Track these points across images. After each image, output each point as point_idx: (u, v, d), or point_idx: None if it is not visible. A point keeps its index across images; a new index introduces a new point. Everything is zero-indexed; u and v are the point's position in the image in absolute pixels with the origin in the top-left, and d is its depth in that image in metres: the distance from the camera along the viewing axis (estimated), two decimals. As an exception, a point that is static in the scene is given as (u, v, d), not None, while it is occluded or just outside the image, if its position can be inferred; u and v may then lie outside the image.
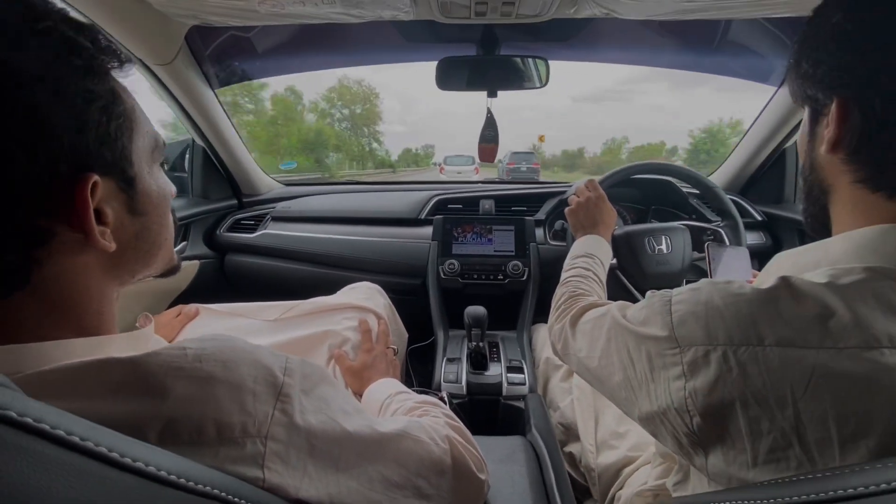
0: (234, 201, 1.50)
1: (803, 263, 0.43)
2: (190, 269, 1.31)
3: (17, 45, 0.30)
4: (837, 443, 0.32)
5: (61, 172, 0.32)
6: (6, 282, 0.31)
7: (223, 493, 0.27)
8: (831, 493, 0.25)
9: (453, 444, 0.50)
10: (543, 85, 1.08)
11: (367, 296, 0.98)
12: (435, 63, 1.05)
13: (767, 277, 0.41)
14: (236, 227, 1.45)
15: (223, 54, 1.15)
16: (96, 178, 0.33)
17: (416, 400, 0.64)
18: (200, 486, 0.26)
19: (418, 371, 1.26)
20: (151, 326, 0.45)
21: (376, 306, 0.94)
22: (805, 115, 0.46)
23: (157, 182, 0.42)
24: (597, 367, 0.54)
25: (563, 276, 0.83)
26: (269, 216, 1.45)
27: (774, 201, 1.34)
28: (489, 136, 1.07)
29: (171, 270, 0.47)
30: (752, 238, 1.29)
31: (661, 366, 0.42)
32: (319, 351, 0.83)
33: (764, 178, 1.37)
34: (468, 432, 0.55)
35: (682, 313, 0.41)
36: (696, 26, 1.14)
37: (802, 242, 1.23)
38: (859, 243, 0.39)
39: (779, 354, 0.34)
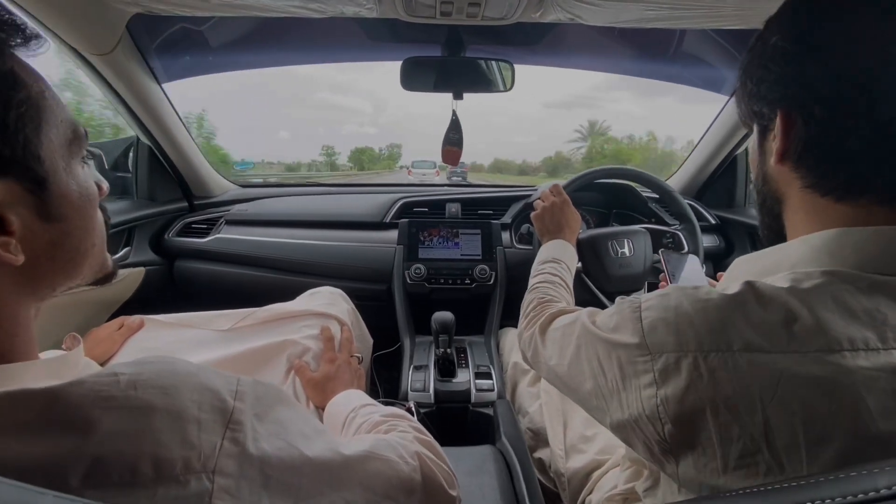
0: (185, 204, 1.41)
1: (763, 267, 0.44)
2: (134, 276, 1.21)
3: None
4: (804, 447, 0.32)
5: None
6: None
7: None
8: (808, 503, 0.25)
9: (423, 461, 0.48)
10: (509, 89, 1.08)
11: (329, 301, 0.93)
12: (389, 62, 1.03)
13: (730, 282, 0.41)
14: (186, 231, 1.36)
15: (172, 47, 1.07)
16: None
17: (382, 413, 0.61)
18: None
19: (384, 378, 1.23)
20: (80, 349, 0.40)
21: (339, 312, 0.89)
22: (754, 132, 0.48)
23: (78, 181, 0.36)
24: (567, 375, 0.53)
25: (532, 281, 0.83)
26: (223, 219, 1.37)
27: (727, 205, 1.41)
28: (454, 138, 1.06)
29: (105, 278, 0.42)
30: (707, 241, 1.35)
31: (632, 374, 0.41)
32: (277, 362, 0.78)
33: (717, 183, 1.43)
34: (438, 446, 0.53)
35: (653, 320, 0.41)
36: (653, 36, 1.18)
37: (753, 245, 1.31)
38: (816, 247, 0.40)
39: (747, 360, 0.35)
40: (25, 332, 0.34)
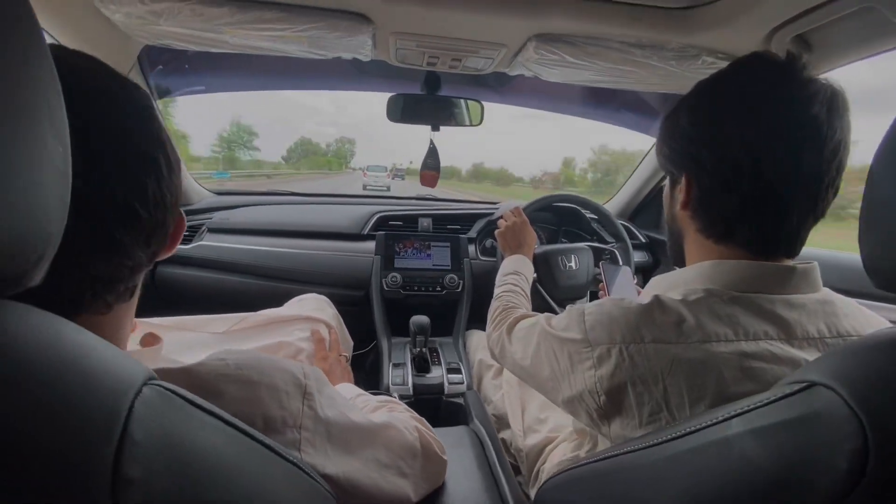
0: None
1: (668, 284, 0.60)
2: None
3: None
4: (688, 405, 0.48)
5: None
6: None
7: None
8: (672, 434, 0.42)
9: (420, 433, 0.61)
10: (478, 124, 1.25)
11: (316, 307, 1.03)
12: (379, 93, 1.17)
13: (646, 295, 0.58)
14: None
15: (166, 68, 1.13)
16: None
17: (377, 399, 0.73)
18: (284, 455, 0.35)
19: (360, 377, 1.34)
20: (161, 344, 0.50)
21: (326, 317, 0.99)
22: (667, 180, 0.64)
23: None
24: (530, 366, 0.68)
25: (497, 291, 0.98)
26: (205, 227, 1.42)
27: (654, 226, 1.66)
28: (431, 164, 1.21)
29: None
30: (639, 256, 1.59)
31: (578, 360, 0.56)
32: None
33: (647, 207, 1.69)
34: (428, 424, 0.67)
35: (592, 321, 0.56)
36: (600, 89, 1.40)
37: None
38: (700, 272, 0.57)
39: (654, 348, 0.49)
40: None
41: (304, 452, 0.42)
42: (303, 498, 0.38)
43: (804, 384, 0.36)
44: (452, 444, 0.79)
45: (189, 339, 0.87)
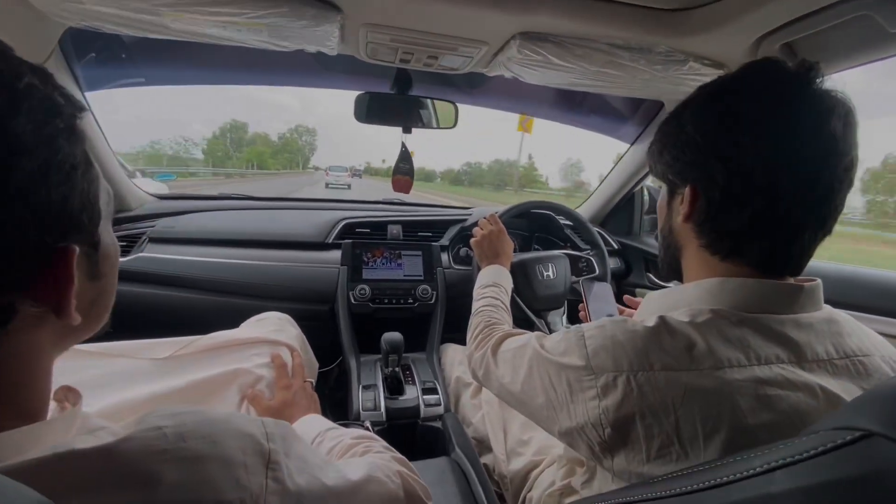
0: None
1: (668, 303, 0.56)
2: None
3: (11, 110, 0.26)
4: (702, 438, 0.44)
5: (45, 244, 0.29)
6: None
7: None
8: (708, 482, 0.37)
9: (404, 479, 0.54)
10: (452, 126, 1.18)
11: (277, 327, 0.93)
12: (344, 91, 1.08)
13: (646, 314, 0.53)
14: None
15: (98, 55, 0.98)
16: (76, 248, 0.30)
17: (351, 436, 0.65)
18: None
19: (326, 397, 1.24)
20: (80, 405, 0.40)
21: (289, 338, 0.89)
22: (664, 189, 0.61)
23: (112, 239, 0.38)
24: (520, 392, 0.62)
25: (476, 305, 0.92)
26: (146, 236, 1.26)
27: (626, 233, 1.66)
28: (404, 168, 1.13)
29: (104, 330, 0.43)
30: (612, 263, 1.58)
31: (579, 389, 0.51)
32: (228, 393, 0.75)
33: (618, 214, 1.68)
34: (410, 464, 0.59)
35: (595, 346, 0.51)
36: (576, 93, 1.38)
37: (647, 268, 1.56)
38: (706, 290, 0.53)
39: (664, 377, 0.45)
40: (49, 385, 0.35)
41: None
42: None
43: (858, 433, 0.31)
44: (434, 480, 0.72)
45: (122, 368, 0.74)
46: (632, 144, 1.44)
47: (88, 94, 1.04)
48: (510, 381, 0.65)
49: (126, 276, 1.20)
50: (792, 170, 0.47)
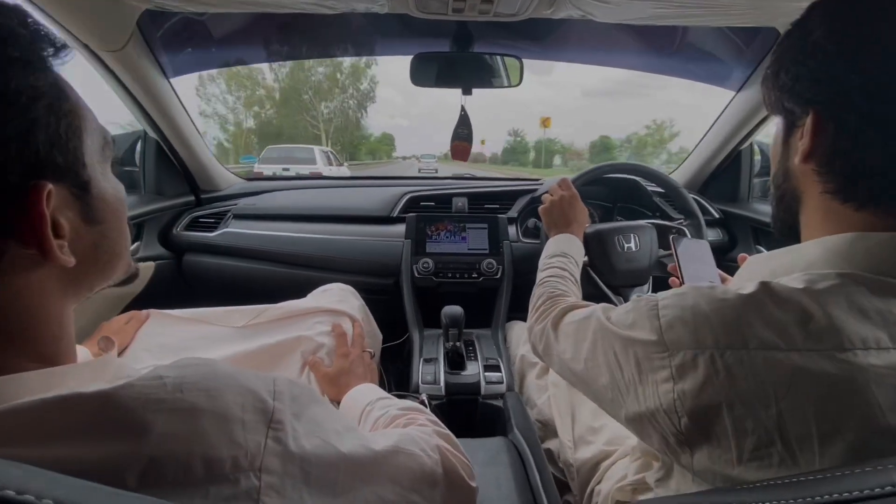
0: (192, 198, 1.41)
1: (777, 268, 0.45)
2: (145, 271, 1.22)
3: None
4: (817, 439, 0.34)
5: (10, 184, 0.28)
6: None
7: None
8: (826, 496, 0.27)
9: (443, 454, 0.50)
10: (517, 84, 1.08)
11: (339, 298, 0.95)
12: (405, 57, 1.04)
13: (743, 281, 0.42)
14: (194, 225, 1.37)
15: (176, 40, 1.06)
16: (50, 186, 0.30)
17: (399, 406, 0.62)
18: None
19: (390, 371, 1.25)
20: (114, 352, 0.41)
21: (350, 309, 0.91)
22: (779, 124, 0.48)
23: (112, 184, 0.38)
24: (582, 370, 0.55)
25: (540, 275, 0.84)
26: (230, 213, 1.38)
27: (730, 199, 1.42)
28: (463, 133, 1.06)
29: (130, 278, 0.44)
30: (711, 234, 1.36)
31: (649, 369, 0.43)
32: (292, 359, 0.80)
33: (720, 177, 1.44)
34: (455, 439, 0.55)
35: (670, 318, 0.42)
36: (660, 31, 1.18)
37: (757, 240, 1.32)
38: (831, 250, 0.41)
39: (762, 357, 0.36)
40: (68, 334, 0.35)
41: None
42: None
43: None
44: (486, 460, 0.66)
45: (206, 333, 0.84)
46: (738, 91, 1.20)
47: (174, 80, 1.13)
48: (571, 358, 0.58)
49: (214, 249, 1.32)
50: None
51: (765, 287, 0.39)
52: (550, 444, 0.88)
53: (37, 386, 0.30)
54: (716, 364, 0.37)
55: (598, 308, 0.55)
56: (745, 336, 0.37)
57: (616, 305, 1.07)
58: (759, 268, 0.47)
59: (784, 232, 0.50)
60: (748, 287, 0.40)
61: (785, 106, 0.45)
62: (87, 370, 0.36)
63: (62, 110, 0.32)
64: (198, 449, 0.29)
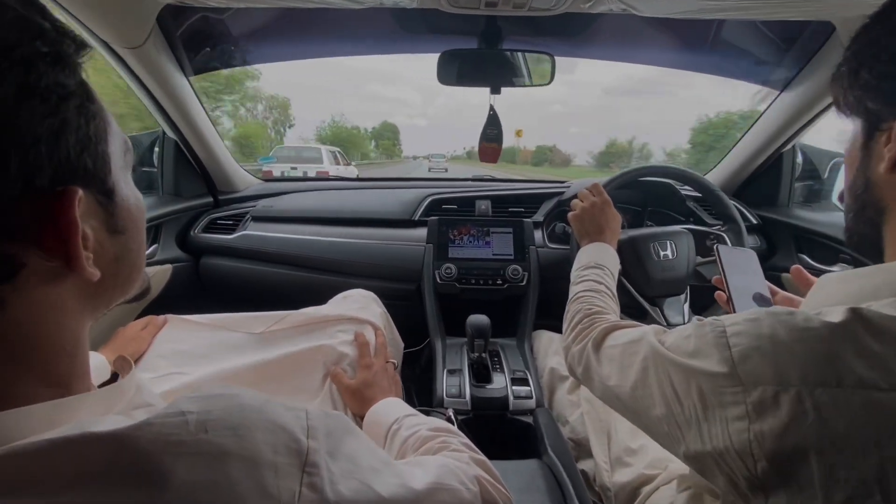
0: (210, 199, 1.39)
1: (862, 290, 0.39)
2: (161, 274, 1.20)
3: None
4: None
5: (37, 188, 0.25)
6: None
7: None
8: None
9: (482, 486, 0.46)
10: (548, 83, 1.03)
11: (361, 305, 0.91)
12: (431, 55, 1.00)
13: (820, 305, 0.38)
14: (213, 227, 1.34)
15: (195, 37, 1.03)
16: (80, 192, 0.27)
17: (428, 427, 0.58)
18: None
19: (411, 378, 1.20)
20: (131, 374, 0.37)
21: (372, 316, 0.87)
22: (858, 127, 0.43)
23: (133, 192, 0.35)
24: (630, 399, 0.50)
25: (574, 289, 0.79)
26: (249, 215, 1.35)
27: (769, 204, 1.35)
28: (492, 134, 1.01)
29: (143, 294, 0.41)
30: (750, 241, 1.29)
31: (717, 404, 0.38)
32: (314, 369, 0.77)
33: (758, 180, 1.37)
34: (492, 466, 0.51)
35: (744, 348, 0.37)
36: (699, 27, 1.12)
37: (799, 248, 1.24)
38: None
39: (861, 397, 0.32)
40: (83, 353, 0.32)
41: None
42: None
43: None
44: (523, 486, 0.62)
45: (224, 340, 0.81)
46: (782, 90, 1.13)
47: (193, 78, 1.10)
48: (617, 384, 0.53)
49: (232, 252, 1.29)
50: None
51: (856, 315, 0.34)
52: (584, 466, 0.83)
53: (44, 420, 0.27)
54: (803, 403, 0.33)
55: (648, 330, 0.51)
56: (839, 372, 0.33)
57: (653, 317, 1.02)
58: (839, 290, 0.42)
59: (863, 248, 0.46)
60: (834, 314, 0.35)
61: (868, 107, 0.40)
62: (100, 400, 0.32)
63: (90, 112, 0.29)
64: (224, 500, 0.25)
